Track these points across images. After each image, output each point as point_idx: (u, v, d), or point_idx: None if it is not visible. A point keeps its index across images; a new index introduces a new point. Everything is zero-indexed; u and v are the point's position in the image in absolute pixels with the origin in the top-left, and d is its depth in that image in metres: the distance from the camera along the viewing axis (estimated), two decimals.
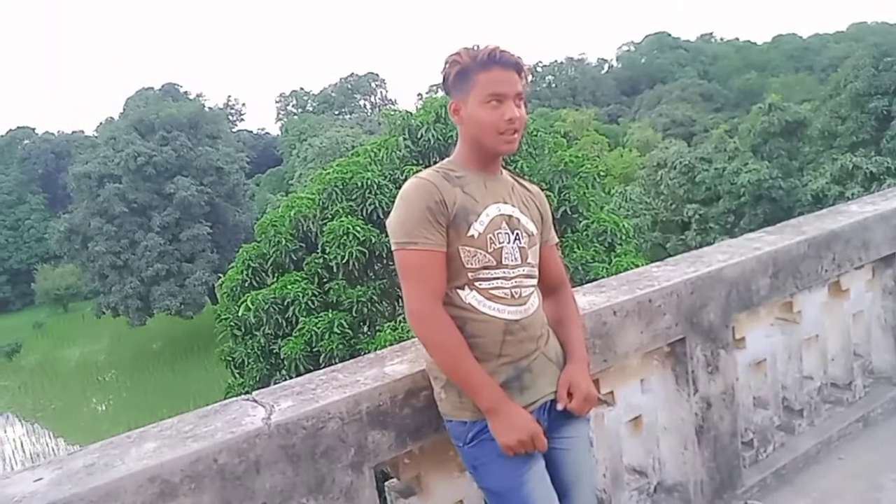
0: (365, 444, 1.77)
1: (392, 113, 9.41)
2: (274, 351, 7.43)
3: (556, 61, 75.05)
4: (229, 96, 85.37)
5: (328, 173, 8.05)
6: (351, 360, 2.04)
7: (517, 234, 1.73)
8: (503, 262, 1.69)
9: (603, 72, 76.38)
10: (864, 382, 3.25)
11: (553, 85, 73.05)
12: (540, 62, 74.91)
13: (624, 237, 7.69)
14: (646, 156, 26.79)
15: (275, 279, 7.95)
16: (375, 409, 1.79)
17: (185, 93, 53.33)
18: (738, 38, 77.43)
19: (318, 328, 6.87)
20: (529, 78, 1.77)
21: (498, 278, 1.68)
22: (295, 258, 7.83)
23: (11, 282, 51.90)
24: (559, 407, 1.73)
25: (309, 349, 6.95)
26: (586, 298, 2.33)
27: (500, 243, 1.69)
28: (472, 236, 1.66)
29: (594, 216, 7.90)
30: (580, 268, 6.90)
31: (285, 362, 7.15)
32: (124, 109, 46.51)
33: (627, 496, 2.42)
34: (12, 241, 53.30)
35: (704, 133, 33.47)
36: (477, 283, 1.67)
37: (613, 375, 2.36)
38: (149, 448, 1.58)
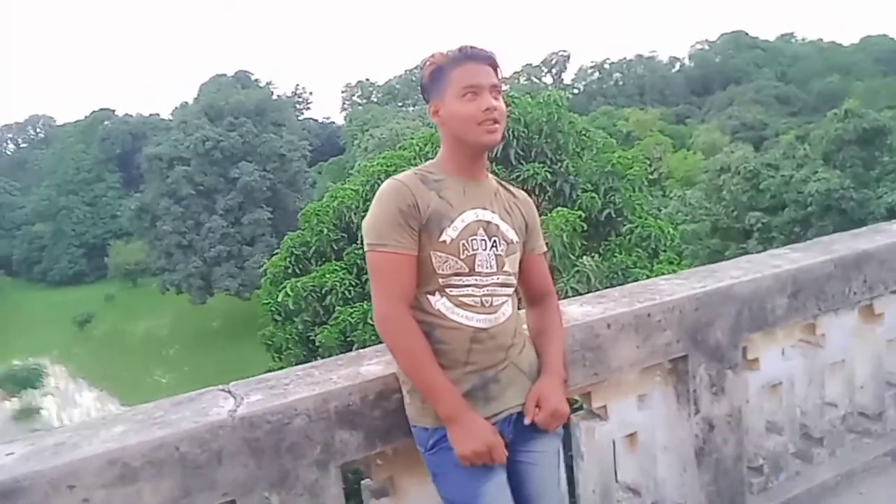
0: (332, 443, 1.77)
1: None
2: (310, 338, 7.59)
3: (624, 58, 73.39)
4: (297, 85, 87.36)
5: (372, 165, 8.12)
6: (331, 358, 2.05)
7: (495, 241, 1.70)
8: (476, 270, 1.66)
9: (674, 70, 74.17)
10: None
11: (620, 83, 71.51)
12: (608, 59, 73.47)
13: (669, 243, 7.47)
14: (710, 159, 25.89)
15: (317, 267, 8.10)
16: (344, 408, 1.78)
17: (256, 80, 54.83)
18: (821, 39, 73.66)
19: (353, 318, 6.95)
20: (502, 73, 1.73)
21: (469, 286, 1.65)
22: (336, 248, 7.95)
23: (87, 255, 54.86)
24: (526, 420, 1.69)
25: (343, 338, 7.06)
26: (582, 309, 2.27)
27: (473, 250, 1.66)
28: (444, 242, 1.64)
29: (639, 220, 7.70)
30: (619, 273, 6.73)
31: (320, 350, 7.29)
32: (198, 95, 48.27)
33: None
34: (90, 217, 56.31)
35: (776, 138, 32.08)
36: (447, 290, 1.65)
37: (607, 389, 2.29)
38: (116, 431, 1.62)
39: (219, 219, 37.64)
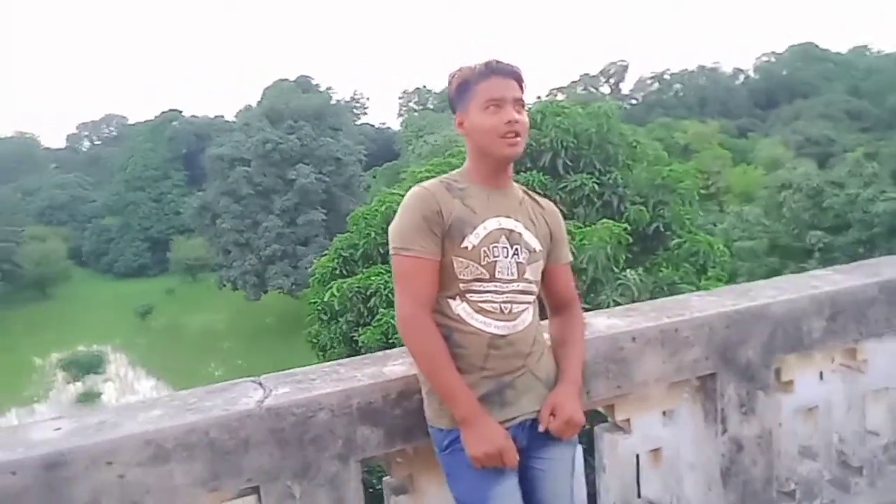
0: (353, 438, 1.84)
1: None
2: (354, 338, 7.74)
3: (686, 69, 71.86)
4: (356, 90, 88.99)
5: (420, 172, 8.25)
6: (358, 357, 2.13)
7: (517, 249, 1.73)
8: (496, 276, 1.70)
9: (738, 82, 72.08)
10: None
11: (681, 94, 69.99)
12: (668, 69, 72.09)
13: (718, 260, 7.30)
14: (771, 175, 25.01)
15: (363, 269, 8.26)
16: (367, 405, 1.85)
17: (317, 85, 56.08)
18: None
19: (395, 321, 7.06)
20: (527, 87, 1.78)
21: (489, 292, 1.70)
22: (382, 251, 8.09)
23: (151, 249, 57.19)
24: (540, 428, 1.72)
25: (385, 340, 7.17)
26: (608, 321, 2.28)
27: (494, 257, 1.70)
28: (466, 248, 1.68)
29: (688, 235, 7.55)
30: (665, 288, 6.61)
31: (363, 350, 7.42)
32: (261, 98, 49.74)
33: None
34: (155, 213, 58.73)
35: (843, 155, 30.78)
36: (468, 295, 1.70)
37: (631, 403, 2.29)
38: (154, 414, 1.73)
39: (275, 219, 38.71)
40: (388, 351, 2.13)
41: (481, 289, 1.69)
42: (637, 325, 2.22)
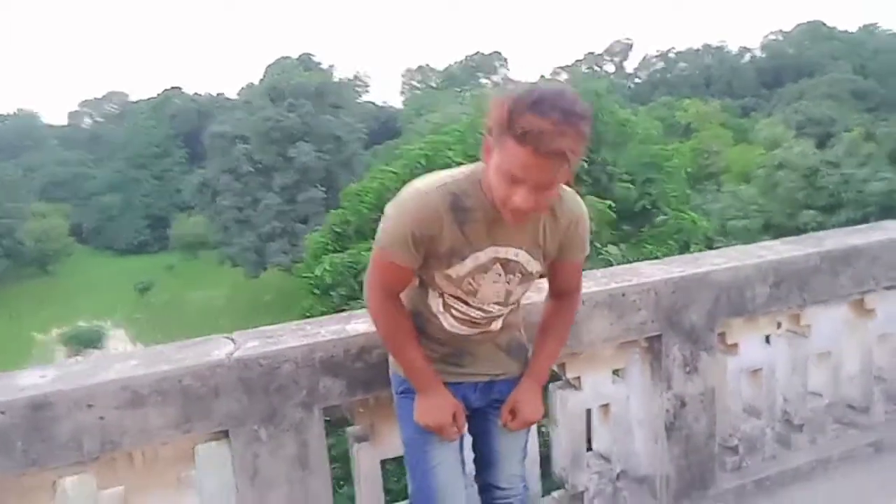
0: (316, 388, 2.01)
1: (486, 94, 9.55)
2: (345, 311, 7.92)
3: (691, 48, 71.40)
4: (358, 69, 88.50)
5: (414, 149, 8.37)
6: (325, 316, 2.30)
7: (510, 278, 1.70)
8: (478, 299, 1.72)
9: (743, 61, 71.53)
10: (887, 408, 3.09)
11: (685, 73, 69.61)
12: (673, 48, 71.61)
13: (700, 237, 7.43)
14: (769, 154, 25.02)
15: (356, 245, 8.43)
16: (328, 358, 2.02)
17: (319, 63, 55.81)
18: None
19: None
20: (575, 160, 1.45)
21: (469, 306, 1.74)
22: (374, 227, 8.22)
23: (152, 226, 57.46)
24: (500, 423, 1.86)
25: None
26: None
27: (477, 285, 1.68)
28: (450, 275, 1.67)
29: (673, 212, 7.68)
30: None
31: None
32: (263, 76, 49.56)
33: (587, 478, 2.51)
34: (156, 190, 58.90)
35: (843, 134, 30.71)
36: (446, 297, 1.75)
37: (581, 362, 2.45)
38: (131, 364, 1.90)
39: (275, 196, 38.88)
40: (352, 311, 2.29)
41: (460, 304, 1.74)
42: (587, 290, 2.36)
